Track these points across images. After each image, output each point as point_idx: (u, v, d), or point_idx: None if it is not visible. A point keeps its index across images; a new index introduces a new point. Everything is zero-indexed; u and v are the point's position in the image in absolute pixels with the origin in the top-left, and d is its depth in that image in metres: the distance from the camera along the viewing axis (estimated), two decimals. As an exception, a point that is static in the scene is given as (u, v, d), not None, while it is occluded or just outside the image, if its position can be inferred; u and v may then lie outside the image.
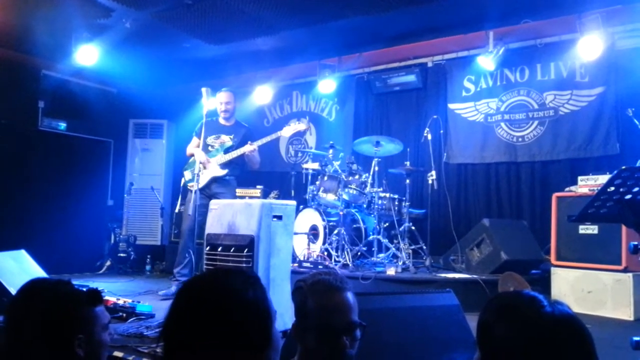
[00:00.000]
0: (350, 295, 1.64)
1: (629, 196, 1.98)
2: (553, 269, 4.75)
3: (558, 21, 5.38)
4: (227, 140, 5.16)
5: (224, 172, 5.12)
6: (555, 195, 4.88)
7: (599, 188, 2.03)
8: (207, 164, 5.06)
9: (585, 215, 2.11)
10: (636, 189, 1.95)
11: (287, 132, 5.29)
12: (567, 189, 4.90)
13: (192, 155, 5.28)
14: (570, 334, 1.10)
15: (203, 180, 5.01)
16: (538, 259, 5.12)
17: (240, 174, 5.37)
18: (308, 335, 1.59)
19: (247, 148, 5.06)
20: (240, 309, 1.16)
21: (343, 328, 1.57)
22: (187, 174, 5.27)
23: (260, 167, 7.69)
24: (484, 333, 1.18)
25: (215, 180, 5.12)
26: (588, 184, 4.67)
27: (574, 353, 1.09)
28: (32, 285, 1.63)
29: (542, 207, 5.58)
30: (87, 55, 6.04)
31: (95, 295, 1.65)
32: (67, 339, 1.51)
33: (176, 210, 5.61)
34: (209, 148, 5.14)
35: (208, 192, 5.00)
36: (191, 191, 5.11)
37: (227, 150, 5.15)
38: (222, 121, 5.25)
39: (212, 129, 5.21)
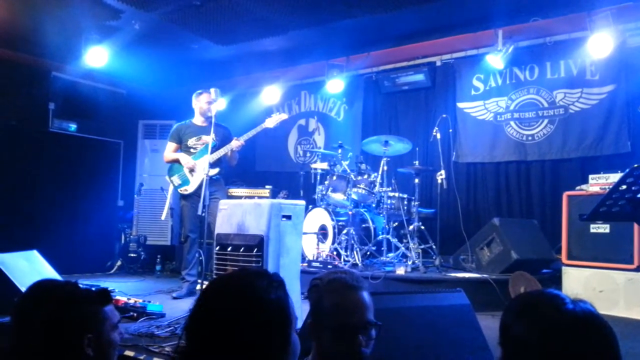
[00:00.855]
0: (366, 295, 1.65)
1: (641, 194, 1.96)
2: (564, 268, 4.72)
3: (568, 19, 5.34)
4: (209, 140, 5.14)
5: (216, 170, 5.06)
6: (566, 194, 4.84)
7: (611, 187, 2.02)
8: (195, 167, 5.06)
9: (597, 213, 2.10)
10: (648, 188, 1.94)
11: (270, 123, 5.26)
12: (577, 187, 4.86)
13: (173, 161, 5.22)
14: (592, 331, 1.09)
15: (195, 182, 5.02)
16: (549, 259, 5.08)
17: (225, 173, 5.37)
18: (324, 333, 1.59)
19: (235, 143, 5.06)
20: (262, 311, 1.17)
21: (359, 327, 1.57)
22: (175, 179, 5.20)
23: (268, 168, 7.76)
24: (505, 332, 1.17)
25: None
26: (599, 183, 4.64)
27: (597, 351, 1.08)
28: (40, 286, 1.63)
29: (553, 206, 5.54)
30: (97, 56, 6.08)
31: (104, 295, 1.65)
32: (76, 339, 1.51)
33: (162, 217, 5.59)
34: (191, 150, 5.12)
35: (200, 193, 4.98)
36: (183, 195, 5.11)
37: (212, 150, 5.12)
38: (198, 122, 5.23)
39: (191, 132, 5.20)
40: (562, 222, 4.79)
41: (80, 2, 5.19)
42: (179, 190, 5.17)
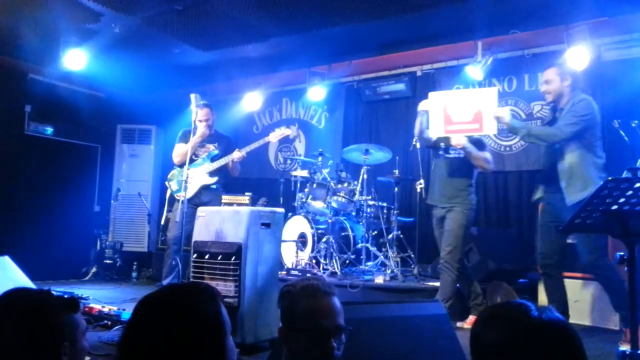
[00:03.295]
0: (337, 300, 1.71)
1: (615, 207, 1.99)
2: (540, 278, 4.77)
3: (546, 32, 5.44)
4: (212, 148, 5.14)
5: (214, 179, 5.10)
6: (541, 204, 4.89)
7: (586, 199, 2.04)
8: (207, 132, 5.03)
9: (572, 225, 2.13)
10: (622, 200, 1.97)
11: (273, 137, 5.28)
12: (554, 198, 4.92)
13: (184, 157, 5.12)
14: (559, 337, 1.11)
15: (192, 189, 4.97)
16: (525, 268, 5.14)
17: (224, 183, 5.34)
18: (297, 338, 1.64)
19: (237, 155, 5.05)
20: (193, 323, 1.17)
21: (332, 330, 1.62)
22: (174, 185, 5.18)
23: (248, 174, 7.72)
24: (475, 343, 1.19)
25: (204, 188, 5.09)
26: (575, 194, 4.69)
27: (565, 355, 1.10)
28: (12, 295, 1.60)
29: (530, 216, 5.60)
30: (75, 59, 6.00)
31: (75, 302, 1.67)
32: (55, 347, 1.51)
33: (162, 222, 5.51)
34: (193, 157, 5.09)
35: (196, 201, 4.95)
36: (179, 200, 5.05)
37: (213, 159, 5.12)
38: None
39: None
40: (538, 233, 4.84)
41: (58, 4, 5.12)
42: (175, 195, 5.12)
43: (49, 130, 7.16)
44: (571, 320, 4.37)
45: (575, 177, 3.81)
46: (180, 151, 5.13)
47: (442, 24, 5.53)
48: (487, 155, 4.36)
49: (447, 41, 5.88)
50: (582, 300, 4.45)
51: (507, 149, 5.98)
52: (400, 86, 6.69)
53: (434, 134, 4.28)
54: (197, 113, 4.84)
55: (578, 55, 5.18)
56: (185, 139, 5.18)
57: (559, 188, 3.86)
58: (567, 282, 4.54)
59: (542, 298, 4.67)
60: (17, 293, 1.62)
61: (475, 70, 5.80)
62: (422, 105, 4.30)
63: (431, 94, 4.32)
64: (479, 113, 4.00)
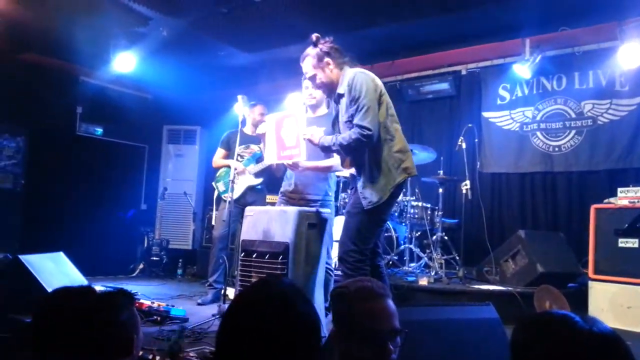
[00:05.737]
0: (391, 302, 1.68)
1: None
2: (590, 283, 4.62)
3: (597, 29, 5.27)
4: (257, 149, 5.19)
5: (259, 180, 5.15)
6: (593, 207, 4.74)
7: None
8: (242, 174, 5.10)
9: (635, 229, 2.05)
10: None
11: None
12: (606, 200, 4.76)
13: (221, 167, 5.32)
14: (610, 350, 1.07)
15: (238, 190, 5.04)
16: (575, 272, 4.98)
17: (268, 183, 5.39)
18: (352, 341, 1.60)
19: None
20: (300, 325, 1.17)
21: (388, 333, 1.59)
22: (221, 185, 5.27)
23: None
24: (518, 353, 1.16)
25: (250, 189, 5.15)
26: (628, 196, 4.54)
27: None
28: (81, 298, 1.61)
29: (580, 218, 5.44)
30: (125, 62, 6.17)
31: (132, 295, 1.73)
32: (130, 342, 1.55)
33: (212, 221, 5.59)
34: (239, 158, 5.15)
35: (243, 202, 5.02)
36: (225, 201, 5.12)
37: (258, 160, 5.17)
38: (248, 132, 5.25)
39: (240, 139, 5.23)
40: (590, 236, 4.69)
41: (110, 9, 5.28)
42: (222, 196, 5.22)
43: (99, 130, 7.40)
44: (623, 327, 4.23)
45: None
46: (219, 158, 5.35)
47: (488, 22, 5.43)
48: (333, 160, 3.80)
49: (494, 39, 5.76)
50: (635, 306, 4.29)
51: (556, 149, 5.82)
52: (444, 85, 6.61)
53: (268, 160, 3.93)
54: (243, 114, 4.88)
55: (632, 53, 5.01)
56: (226, 144, 5.28)
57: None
58: (619, 287, 4.41)
59: (592, 303, 4.53)
60: (86, 296, 1.61)
61: (522, 68, 5.67)
62: (260, 129, 3.94)
63: (267, 117, 3.94)
64: (298, 136, 3.62)
